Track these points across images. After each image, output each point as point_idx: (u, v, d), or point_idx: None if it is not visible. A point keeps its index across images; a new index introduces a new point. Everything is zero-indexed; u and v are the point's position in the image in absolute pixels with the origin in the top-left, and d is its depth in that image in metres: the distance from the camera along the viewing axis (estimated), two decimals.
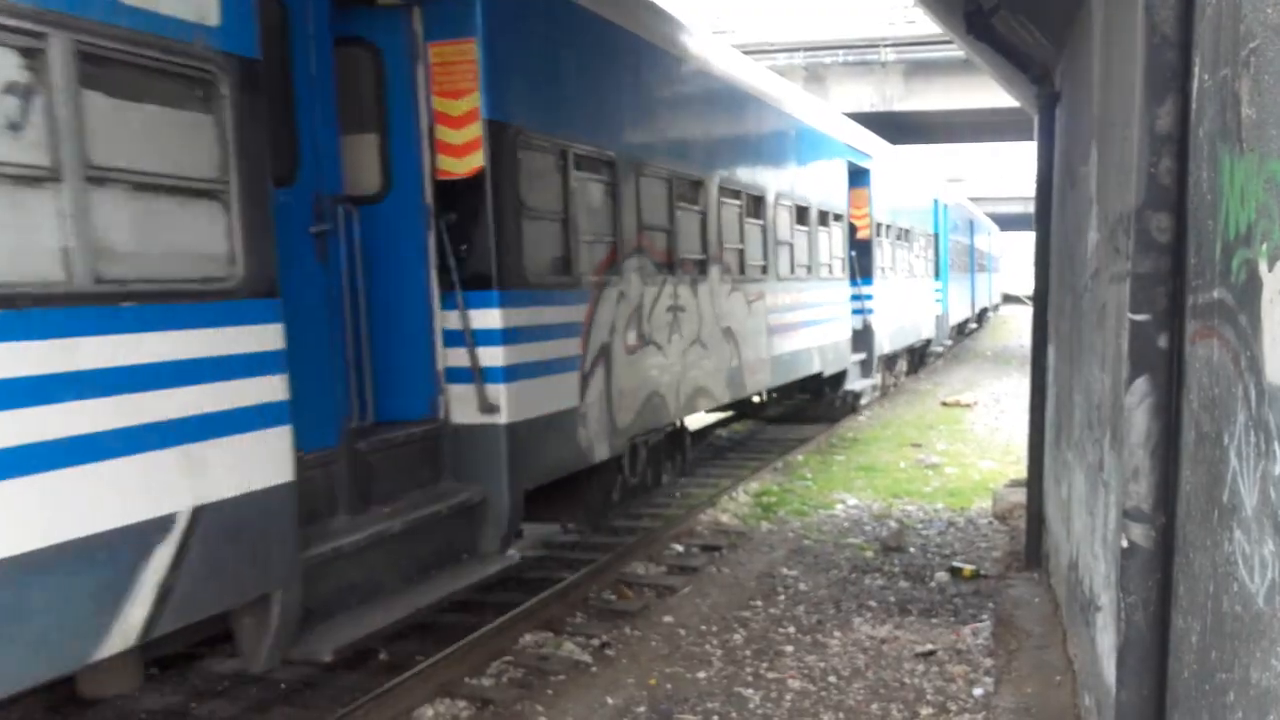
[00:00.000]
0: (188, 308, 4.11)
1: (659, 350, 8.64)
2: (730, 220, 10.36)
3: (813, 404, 15.76)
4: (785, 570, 8.26)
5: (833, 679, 6.05)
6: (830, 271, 14.43)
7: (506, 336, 6.25)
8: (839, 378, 15.12)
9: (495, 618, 6.79)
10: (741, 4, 41.76)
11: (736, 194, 10.49)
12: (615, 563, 8.20)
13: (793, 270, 12.60)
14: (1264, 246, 1.98)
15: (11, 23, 3.41)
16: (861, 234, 16.40)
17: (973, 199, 44.13)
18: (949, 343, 29.06)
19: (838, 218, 14.75)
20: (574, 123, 7.21)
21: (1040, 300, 7.85)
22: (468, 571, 6.14)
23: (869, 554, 8.74)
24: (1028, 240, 9.72)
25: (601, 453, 7.58)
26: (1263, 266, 1.98)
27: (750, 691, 5.88)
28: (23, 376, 3.45)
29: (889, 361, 19.25)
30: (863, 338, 16.34)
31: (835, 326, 14.70)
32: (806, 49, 31.74)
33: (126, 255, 3.89)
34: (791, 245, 12.49)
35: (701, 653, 6.50)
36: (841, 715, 5.56)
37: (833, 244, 14.53)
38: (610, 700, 5.78)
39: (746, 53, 16.84)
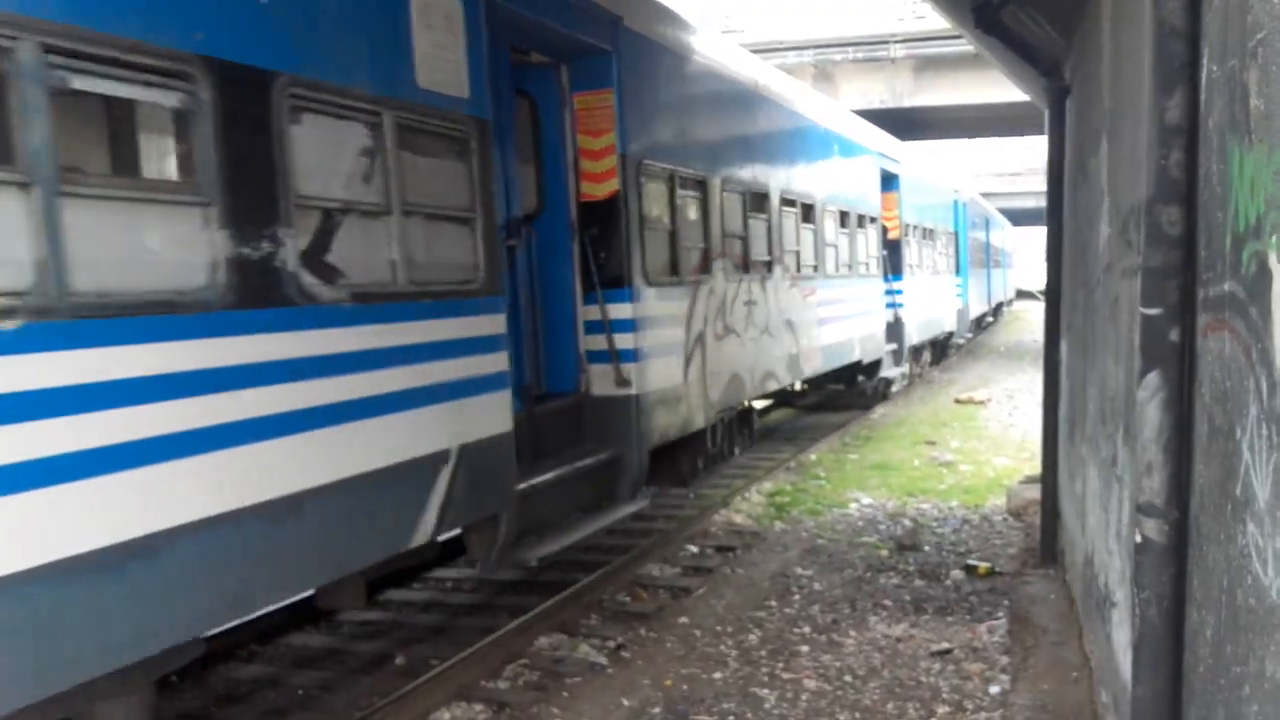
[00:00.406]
0: (455, 303, 5.67)
1: (738, 338, 10.21)
2: (789, 226, 11.92)
3: (845, 393, 17.17)
4: (800, 570, 8.25)
5: (848, 678, 6.04)
6: (867, 269, 15.89)
7: (636, 325, 7.84)
8: (875, 365, 16.48)
9: (510, 621, 6.80)
10: (751, 3, 41.73)
11: (793, 203, 12.05)
12: (630, 564, 8.20)
13: (838, 268, 14.13)
14: (1274, 238, 1.97)
15: (361, 105, 4.96)
16: (892, 234, 17.76)
17: (985, 194, 44.01)
18: (969, 335, 30.50)
19: (873, 220, 16.19)
20: (677, 152, 8.78)
21: (1053, 295, 7.82)
22: (609, 513, 7.61)
23: (884, 553, 8.72)
24: (1040, 235, 9.70)
25: (699, 422, 9.16)
26: (1273, 258, 1.98)
27: (766, 692, 5.87)
28: (375, 349, 5.00)
29: (915, 352, 20.47)
30: (894, 329, 17.78)
31: (873, 319, 16.18)
32: (816, 47, 31.70)
33: (422, 265, 5.38)
34: (836, 246, 14.02)
35: (717, 653, 6.50)
36: (858, 715, 5.54)
37: (869, 244, 15.96)
38: (626, 702, 5.78)
39: (756, 51, 17.37)
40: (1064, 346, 7.60)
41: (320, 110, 4.74)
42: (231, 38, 4.22)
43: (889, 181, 17.43)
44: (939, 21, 19.07)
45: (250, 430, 4.28)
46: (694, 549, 8.95)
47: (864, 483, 11.57)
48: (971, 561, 8.26)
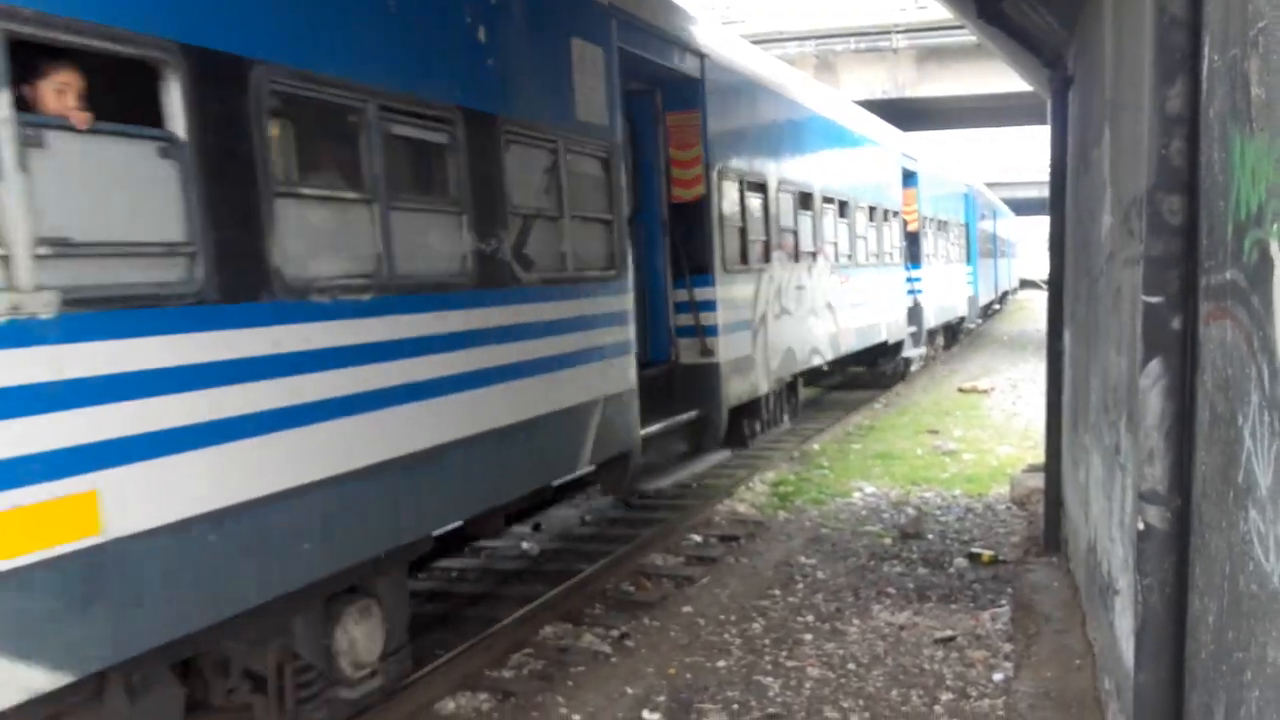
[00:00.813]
0: (602, 285, 7.34)
1: (791, 318, 11.92)
2: (829, 221, 13.63)
3: (866, 373, 18.63)
4: (803, 559, 8.28)
5: (852, 666, 6.07)
6: (891, 259, 17.66)
7: (718, 305, 9.53)
8: (898, 346, 18.45)
9: (515, 610, 6.84)
10: None
11: (831, 200, 13.81)
12: (633, 554, 8.24)
13: (867, 258, 15.97)
14: (1275, 227, 1.98)
15: (545, 135, 6.59)
16: (911, 227, 19.63)
17: (988, 184, 43.97)
18: (980, 320, 32.61)
19: (895, 214, 18.09)
20: (745, 159, 10.52)
21: (1055, 284, 7.83)
22: (698, 461, 9.36)
23: (887, 541, 8.75)
24: (1043, 225, 9.78)
25: (764, 389, 11.00)
26: (1274, 246, 1.98)
27: (770, 680, 5.90)
28: (556, 319, 6.62)
29: (931, 335, 22.29)
30: (914, 314, 19.67)
31: (896, 304, 18.11)
32: (818, 37, 31.56)
33: (578, 256, 6.95)
34: (866, 238, 15.83)
35: (721, 642, 6.53)
36: (861, 702, 5.57)
37: (893, 236, 17.82)
38: (630, 690, 5.81)
39: (757, 42, 17.63)
40: (1067, 335, 7.61)
41: (520, 141, 6.28)
42: (478, 95, 5.86)
43: (909, 179, 19.33)
44: (941, 12, 19.02)
45: (491, 376, 5.91)
46: (697, 538, 8.98)
47: (867, 472, 11.60)
48: (975, 549, 8.29)
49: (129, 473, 3.66)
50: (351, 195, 4.96)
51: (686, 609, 7.15)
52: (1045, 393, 8.00)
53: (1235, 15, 2.29)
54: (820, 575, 7.86)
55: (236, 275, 4.15)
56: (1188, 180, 2.74)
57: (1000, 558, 8.08)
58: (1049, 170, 7.78)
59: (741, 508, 10.01)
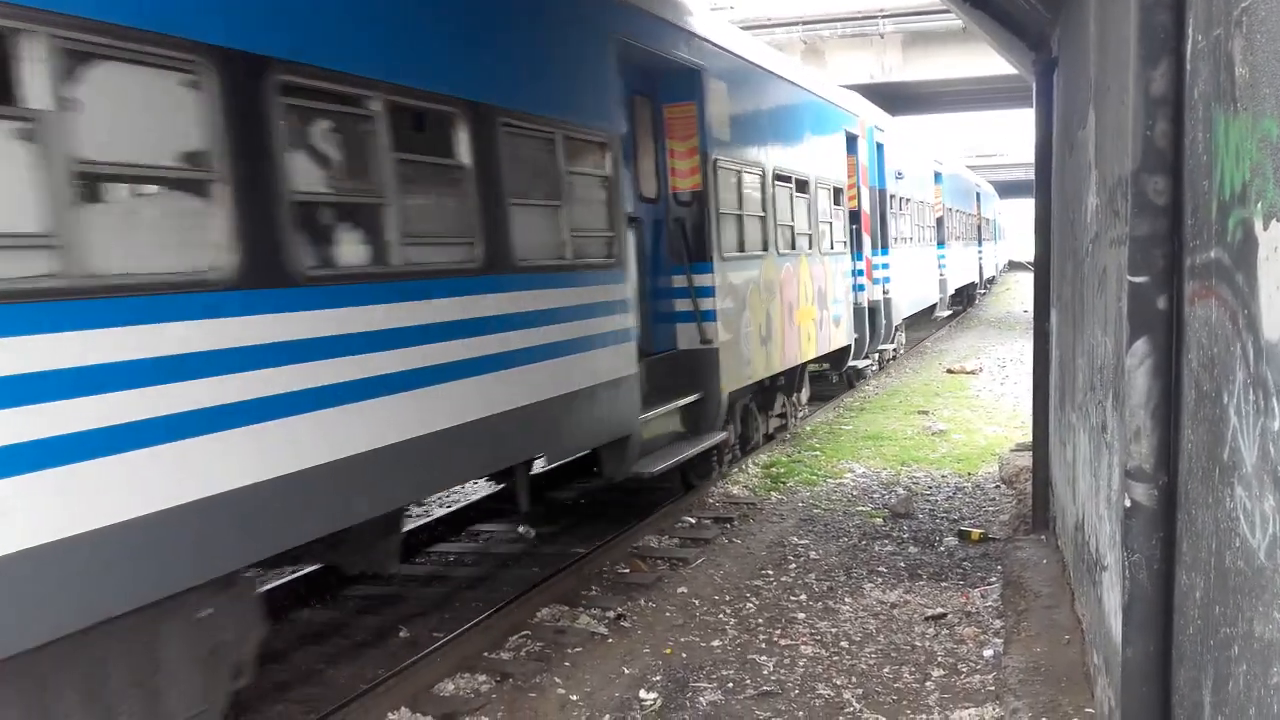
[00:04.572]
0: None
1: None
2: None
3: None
4: (796, 539, 8.34)
5: (845, 644, 6.14)
6: (927, 239, 23.03)
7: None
8: (932, 308, 24.76)
9: (512, 593, 6.88)
10: None
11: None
12: (628, 536, 8.29)
13: (909, 238, 20.17)
14: (1259, 205, 2.00)
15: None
16: (937, 213, 25.08)
17: (973, 167, 44.06)
18: (988, 288, 40.82)
19: (925, 205, 23.06)
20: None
21: (1042, 265, 7.87)
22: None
23: (878, 521, 8.82)
24: (1030, 207, 9.80)
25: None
26: (1258, 225, 2.01)
27: (764, 658, 5.97)
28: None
29: (954, 297, 29.27)
30: (943, 284, 26.10)
31: (928, 276, 23.50)
32: (805, 23, 31.51)
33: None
34: (915, 222, 20.89)
35: (715, 622, 6.59)
36: (854, 679, 5.64)
37: (926, 223, 23.05)
38: (627, 670, 5.87)
39: (746, 28, 17.57)
40: (1053, 316, 7.66)
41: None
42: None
43: (937, 178, 24.73)
44: None
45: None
46: (691, 520, 9.04)
47: (858, 453, 11.67)
48: (965, 528, 8.37)
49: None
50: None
51: (681, 589, 7.21)
52: (1032, 373, 8.06)
53: None
54: (813, 555, 7.92)
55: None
56: (1172, 161, 2.77)
57: (990, 536, 8.16)
58: (1034, 152, 7.82)
59: (735, 489, 10.07)
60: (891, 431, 12.90)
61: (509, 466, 6.79)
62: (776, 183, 11.30)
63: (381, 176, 5.14)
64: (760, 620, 6.59)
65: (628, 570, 7.69)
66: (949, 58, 30.23)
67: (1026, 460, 8.80)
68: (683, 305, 9.44)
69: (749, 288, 10.42)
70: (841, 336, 14.35)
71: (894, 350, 19.78)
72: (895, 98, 31.20)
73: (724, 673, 5.78)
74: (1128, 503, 2.96)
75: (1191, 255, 2.67)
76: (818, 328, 13.05)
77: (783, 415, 12.40)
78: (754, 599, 6.99)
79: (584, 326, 7.17)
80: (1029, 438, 8.66)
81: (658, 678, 5.75)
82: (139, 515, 3.77)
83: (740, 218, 10.26)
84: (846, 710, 5.29)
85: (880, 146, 17.33)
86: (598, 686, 5.67)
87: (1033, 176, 7.90)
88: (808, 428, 13.28)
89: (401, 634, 6.60)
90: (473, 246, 5.89)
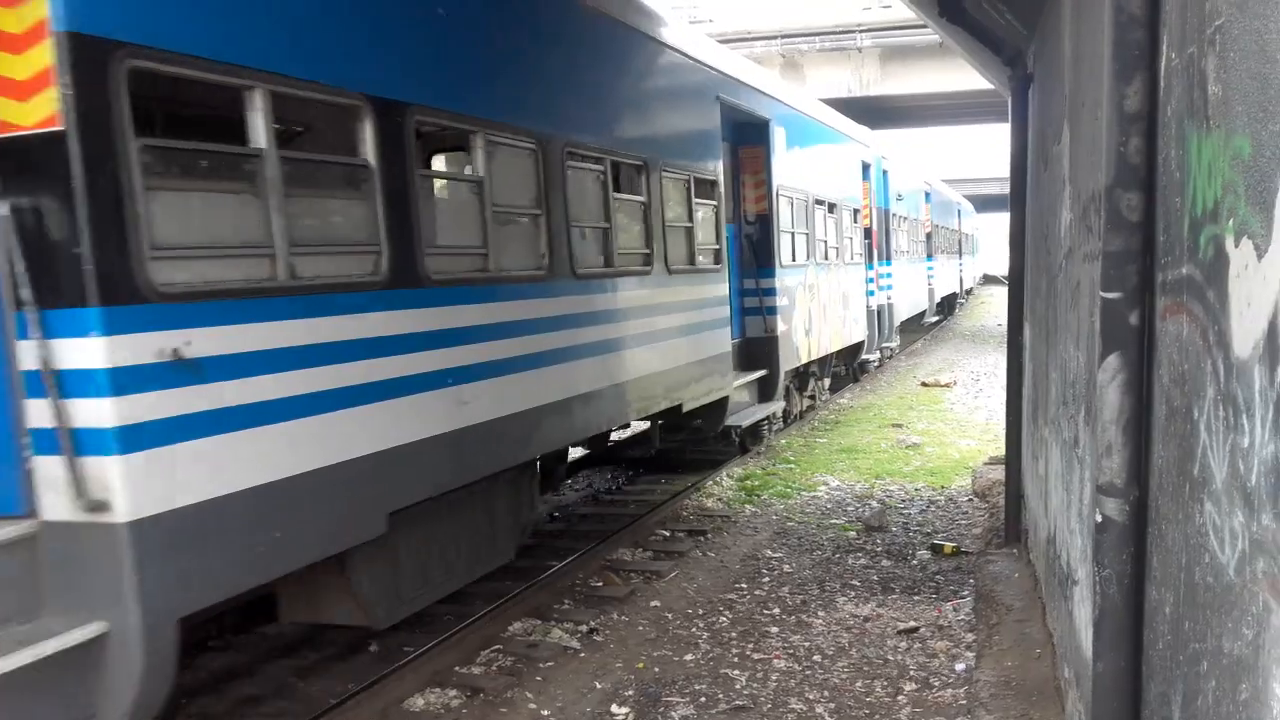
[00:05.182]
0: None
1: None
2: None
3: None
4: (769, 552, 8.33)
5: (817, 658, 6.12)
6: (919, 252, 25.98)
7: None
8: (920, 315, 26.88)
9: (484, 607, 6.82)
10: None
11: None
12: (601, 549, 8.24)
13: (906, 251, 23.16)
14: (1230, 222, 2.01)
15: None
16: (926, 229, 27.83)
17: (948, 180, 44.49)
18: (966, 298, 44.54)
19: (918, 222, 25.96)
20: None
21: (1016, 280, 7.91)
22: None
23: (852, 534, 8.82)
24: (1005, 221, 9.95)
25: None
26: (1229, 242, 2.01)
27: (737, 672, 5.94)
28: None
29: (939, 305, 31.91)
30: (930, 292, 28.63)
31: (920, 285, 26.15)
32: (784, 37, 31.72)
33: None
34: (910, 237, 23.82)
35: (688, 635, 6.56)
36: (826, 693, 5.62)
37: (919, 238, 25.98)
38: (599, 685, 5.83)
39: (725, 42, 17.78)
40: (1027, 330, 7.70)
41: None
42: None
43: (927, 197, 27.88)
44: (905, 11, 19.23)
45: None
46: (665, 533, 9.01)
47: (832, 466, 11.68)
48: (937, 542, 8.38)
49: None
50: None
51: (654, 603, 7.17)
52: (1006, 387, 8.09)
53: (1193, 13, 2.33)
54: (786, 568, 7.91)
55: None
56: (1145, 177, 2.78)
57: (962, 549, 8.18)
58: (1010, 167, 7.87)
59: (709, 502, 10.05)
60: (866, 445, 12.93)
61: (663, 410, 9.20)
62: (816, 206, 14.21)
63: (650, 212, 8.63)
64: (733, 634, 6.56)
65: (601, 584, 7.65)
66: (926, 73, 30.50)
67: (999, 474, 8.84)
68: (751, 303, 12.03)
69: (798, 290, 13.19)
70: (858, 333, 17.23)
71: (893, 348, 22.39)
72: (872, 111, 31.40)
73: (697, 687, 5.75)
74: (1099, 517, 2.96)
75: (1163, 271, 2.68)
76: (842, 325, 15.94)
77: (812, 396, 15.29)
78: (727, 612, 6.96)
79: (707, 314, 9.89)
80: (1002, 451, 8.70)
81: (630, 692, 5.71)
82: (498, 417, 6.28)
83: (793, 235, 13.07)
84: None
85: (885, 173, 20.22)
86: (570, 701, 5.62)
87: (1007, 191, 7.95)
88: (783, 440, 13.30)
89: (372, 648, 6.53)
90: (650, 256, 8.62)
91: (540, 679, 5.93)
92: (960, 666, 5.89)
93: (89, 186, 3.75)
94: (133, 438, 3.89)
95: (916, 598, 7.14)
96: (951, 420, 14.75)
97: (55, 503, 3.92)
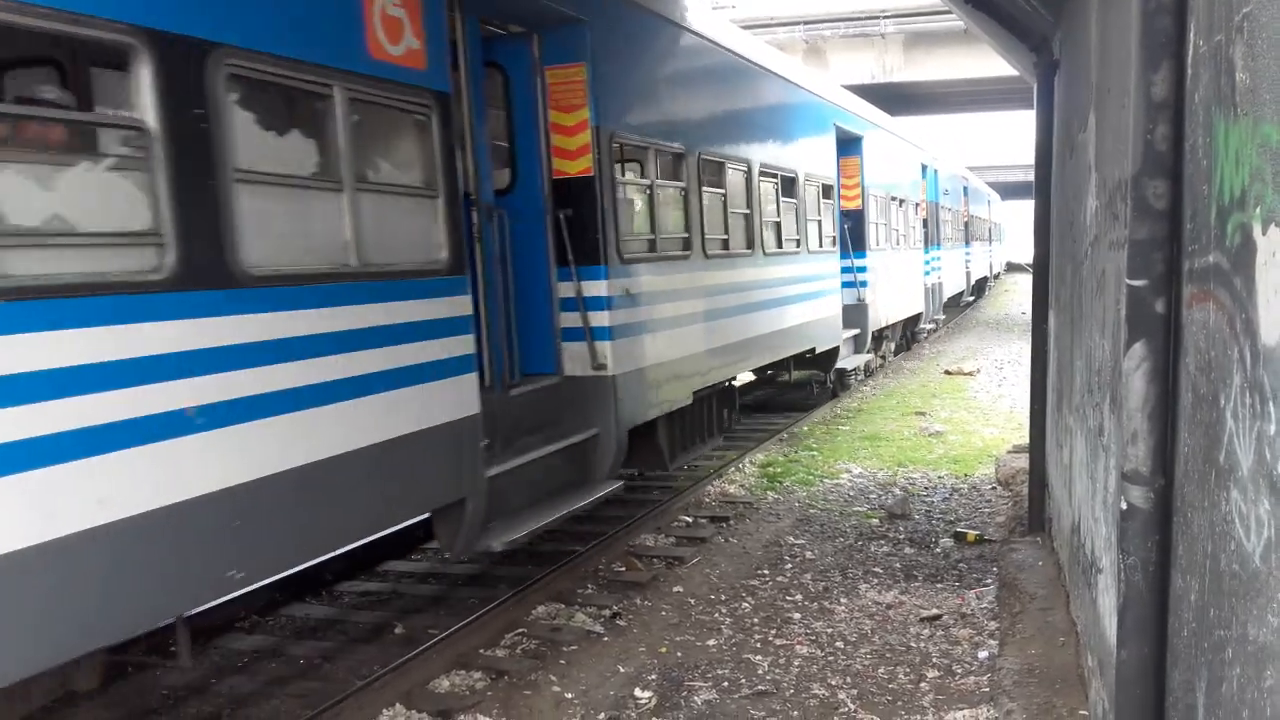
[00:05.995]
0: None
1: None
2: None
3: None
4: (792, 539, 8.35)
5: (840, 644, 6.15)
6: (957, 241, 28.99)
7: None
8: (959, 295, 31.03)
9: (508, 591, 6.89)
10: None
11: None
12: (624, 535, 8.29)
13: (950, 239, 26.97)
14: (1258, 210, 2.00)
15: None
16: (964, 219, 31.09)
17: (972, 168, 44.24)
18: (993, 282, 47.82)
19: (958, 212, 29.52)
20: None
21: (1040, 268, 7.87)
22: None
23: (874, 522, 8.83)
24: (1029, 208, 9.90)
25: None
26: (1257, 230, 2.01)
27: (759, 658, 5.97)
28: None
29: (974, 287, 36.39)
30: (968, 275, 33.00)
31: (960, 268, 30.13)
32: (807, 23, 31.56)
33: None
34: (953, 227, 27.24)
35: (711, 621, 6.60)
36: (849, 680, 5.65)
37: (959, 226, 29.17)
38: (622, 669, 5.87)
39: (747, 27, 18.22)
40: (1052, 318, 7.67)
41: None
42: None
43: (966, 193, 30.78)
44: None
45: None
46: (687, 519, 9.05)
47: (855, 453, 11.67)
48: (961, 529, 8.38)
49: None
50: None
51: (677, 589, 7.21)
52: (1030, 375, 8.06)
53: (1220, 1, 2.32)
54: (809, 555, 7.93)
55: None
56: (1172, 165, 2.77)
57: (985, 537, 8.17)
58: (1034, 155, 7.82)
59: (731, 488, 10.07)
60: (889, 432, 12.91)
61: (802, 351, 12.48)
62: (892, 202, 18.13)
63: (800, 209, 12.46)
64: (756, 620, 6.59)
65: (624, 569, 7.70)
66: (950, 59, 30.28)
67: (1023, 462, 8.81)
68: (846, 278, 14.82)
69: (880, 269, 16.70)
70: (918, 305, 21.38)
71: (940, 320, 26.10)
72: (895, 98, 31.23)
73: (719, 672, 5.79)
74: (1124, 505, 2.96)
75: (1190, 259, 2.68)
76: (908, 298, 20.07)
77: (883, 356, 18.74)
78: (750, 599, 6.99)
79: (829, 283, 13.59)
80: (1026, 439, 8.67)
81: (653, 676, 5.75)
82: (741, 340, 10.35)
83: (877, 225, 16.71)
84: (841, 710, 5.30)
85: (935, 172, 24.34)
86: (593, 684, 5.68)
87: (1030, 179, 7.90)
88: (805, 427, 13.29)
89: (397, 630, 6.61)
90: (800, 240, 12.17)
91: (564, 662, 5.98)
92: (983, 654, 5.89)
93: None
94: (616, 332, 7.53)
95: (939, 585, 7.14)
96: (975, 408, 14.70)
97: (573, 367, 7.51)
